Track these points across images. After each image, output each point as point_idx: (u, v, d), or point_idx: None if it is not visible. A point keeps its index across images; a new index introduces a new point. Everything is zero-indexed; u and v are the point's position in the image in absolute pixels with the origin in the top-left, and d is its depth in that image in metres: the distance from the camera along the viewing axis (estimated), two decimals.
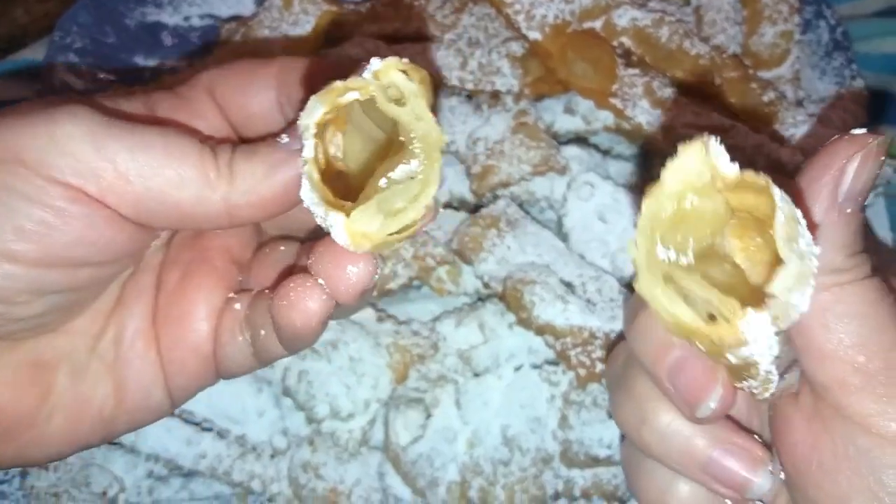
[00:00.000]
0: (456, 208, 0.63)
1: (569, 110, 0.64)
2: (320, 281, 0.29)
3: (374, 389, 0.54)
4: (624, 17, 0.58)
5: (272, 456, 0.59)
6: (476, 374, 0.57)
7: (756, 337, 0.25)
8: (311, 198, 0.27)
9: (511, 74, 0.61)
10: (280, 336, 0.31)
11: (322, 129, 0.26)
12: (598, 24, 0.58)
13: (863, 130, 0.28)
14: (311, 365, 0.54)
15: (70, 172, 0.28)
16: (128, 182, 0.28)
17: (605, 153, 0.63)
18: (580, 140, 0.64)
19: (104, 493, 0.60)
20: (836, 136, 0.28)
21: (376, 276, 0.29)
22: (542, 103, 0.65)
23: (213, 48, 0.69)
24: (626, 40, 0.58)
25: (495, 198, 0.61)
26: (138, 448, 0.60)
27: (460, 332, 0.58)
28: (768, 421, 0.32)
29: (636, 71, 0.58)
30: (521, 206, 0.63)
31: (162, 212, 0.29)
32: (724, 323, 0.25)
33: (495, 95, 0.62)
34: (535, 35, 0.58)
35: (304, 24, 0.64)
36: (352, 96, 0.26)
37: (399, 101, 0.25)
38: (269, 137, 0.31)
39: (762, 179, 0.25)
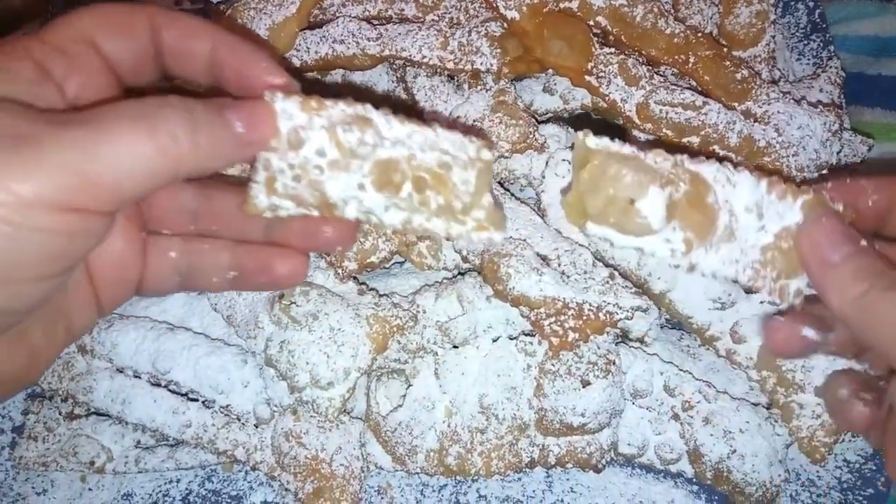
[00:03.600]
0: None
1: (547, 90, 0.65)
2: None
3: (354, 359, 0.55)
4: None
5: (256, 425, 0.60)
6: (454, 345, 0.58)
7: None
8: None
9: (490, 54, 0.62)
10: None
11: None
12: (574, 4, 0.59)
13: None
14: (291, 335, 0.55)
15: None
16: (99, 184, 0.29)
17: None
18: (558, 118, 0.66)
19: (92, 463, 0.62)
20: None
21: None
22: (521, 83, 0.66)
23: None
24: (601, 19, 0.59)
25: None
26: (125, 418, 0.61)
27: (440, 304, 0.59)
28: None
29: (611, 49, 0.59)
30: (500, 183, 0.65)
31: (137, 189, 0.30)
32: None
33: (475, 75, 0.63)
34: (512, 14, 0.59)
35: (289, 4, 0.65)
36: None
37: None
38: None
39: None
